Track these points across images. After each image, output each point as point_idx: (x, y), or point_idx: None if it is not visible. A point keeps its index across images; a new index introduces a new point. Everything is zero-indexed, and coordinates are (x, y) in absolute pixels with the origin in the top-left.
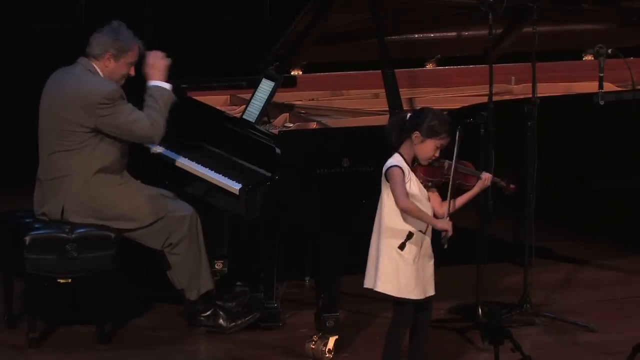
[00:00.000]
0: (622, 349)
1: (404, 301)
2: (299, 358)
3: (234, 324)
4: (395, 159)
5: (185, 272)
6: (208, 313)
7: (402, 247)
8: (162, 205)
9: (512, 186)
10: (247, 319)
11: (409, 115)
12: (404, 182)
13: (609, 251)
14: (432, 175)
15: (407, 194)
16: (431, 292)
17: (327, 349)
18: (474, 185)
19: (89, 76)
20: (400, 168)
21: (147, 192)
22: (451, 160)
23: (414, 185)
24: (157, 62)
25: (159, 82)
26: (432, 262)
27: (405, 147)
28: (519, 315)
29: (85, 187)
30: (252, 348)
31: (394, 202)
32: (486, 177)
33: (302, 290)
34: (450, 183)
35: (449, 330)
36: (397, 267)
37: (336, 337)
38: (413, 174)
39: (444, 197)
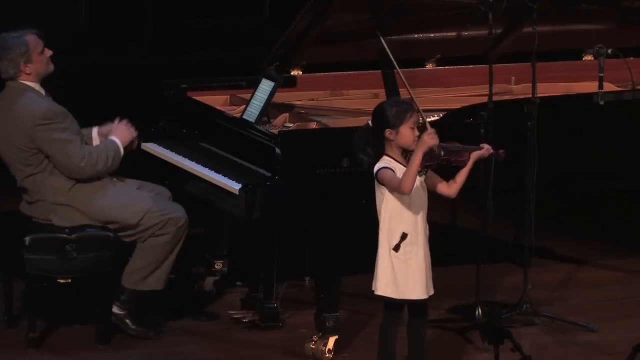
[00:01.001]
0: (622, 349)
1: (401, 302)
2: (298, 358)
3: (139, 328)
4: (382, 162)
5: (144, 259)
6: (124, 306)
7: (396, 248)
8: (150, 199)
9: (501, 151)
10: (151, 333)
11: (368, 122)
12: (394, 175)
13: (609, 251)
14: (426, 161)
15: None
16: (431, 291)
17: (327, 349)
18: (467, 160)
19: (23, 97)
20: (388, 168)
21: (130, 191)
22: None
23: None
24: (123, 132)
25: (116, 140)
26: (429, 260)
27: (388, 149)
28: (519, 315)
29: (68, 200)
30: (251, 348)
31: (387, 205)
32: (486, 147)
33: (302, 290)
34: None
35: (448, 330)
36: (393, 268)
37: (336, 337)
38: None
39: (446, 179)
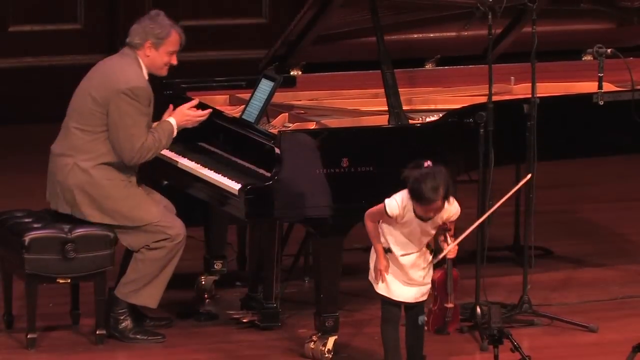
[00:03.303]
0: (621, 349)
1: (383, 298)
2: (298, 358)
3: (136, 335)
4: (400, 197)
5: (137, 272)
6: (122, 317)
7: (388, 250)
8: (158, 212)
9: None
10: (148, 338)
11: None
12: (383, 214)
13: (609, 251)
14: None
15: (378, 220)
16: (422, 298)
17: (326, 349)
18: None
19: (127, 65)
20: (391, 207)
21: (147, 196)
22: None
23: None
24: (184, 116)
25: (175, 123)
26: (429, 273)
27: None
28: (519, 316)
29: (87, 172)
30: (251, 348)
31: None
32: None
33: (302, 290)
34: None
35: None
36: (387, 267)
37: (335, 337)
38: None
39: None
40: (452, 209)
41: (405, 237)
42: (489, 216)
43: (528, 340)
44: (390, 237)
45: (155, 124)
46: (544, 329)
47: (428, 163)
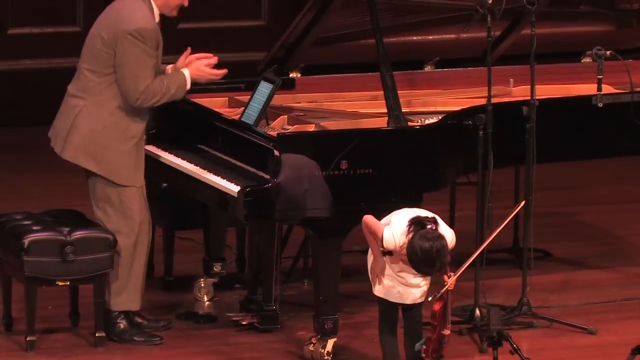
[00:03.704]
0: (620, 351)
1: (380, 300)
2: None
3: (134, 337)
4: (396, 229)
5: (114, 281)
6: (117, 320)
7: (386, 253)
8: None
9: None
10: (147, 339)
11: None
12: (380, 226)
13: (608, 254)
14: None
15: (377, 230)
16: (419, 300)
17: (325, 351)
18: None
19: (137, 7)
20: (386, 232)
21: (143, 162)
22: None
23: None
24: (199, 70)
25: (189, 76)
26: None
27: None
28: (518, 318)
29: (95, 119)
30: (250, 350)
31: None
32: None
33: (301, 293)
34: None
35: None
36: (384, 269)
37: (335, 339)
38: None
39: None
40: (448, 238)
41: (402, 263)
42: (488, 219)
43: (527, 342)
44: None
45: (170, 66)
46: (543, 331)
47: (432, 226)
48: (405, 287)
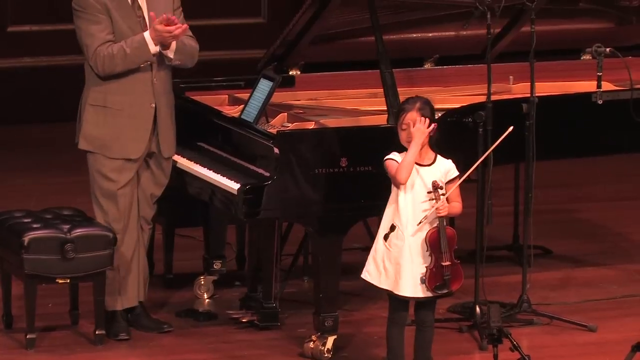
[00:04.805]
0: (620, 349)
1: (390, 295)
2: (297, 358)
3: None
4: (391, 154)
5: (114, 282)
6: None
7: (386, 237)
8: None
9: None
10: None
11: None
12: (395, 165)
13: (608, 251)
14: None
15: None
16: (419, 293)
17: (325, 349)
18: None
19: None
20: (392, 159)
21: (135, 133)
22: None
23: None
24: (159, 34)
25: (149, 38)
26: (417, 261)
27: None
28: (518, 315)
29: (84, 96)
30: (250, 348)
31: (392, 196)
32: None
33: (301, 290)
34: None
35: (448, 330)
36: (376, 255)
37: (335, 336)
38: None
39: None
40: (447, 165)
41: (411, 205)
42: (488, 216)
43: (527, 339)
44: (397, 213)
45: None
46: (543, 329)
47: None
48: (395, 275)
